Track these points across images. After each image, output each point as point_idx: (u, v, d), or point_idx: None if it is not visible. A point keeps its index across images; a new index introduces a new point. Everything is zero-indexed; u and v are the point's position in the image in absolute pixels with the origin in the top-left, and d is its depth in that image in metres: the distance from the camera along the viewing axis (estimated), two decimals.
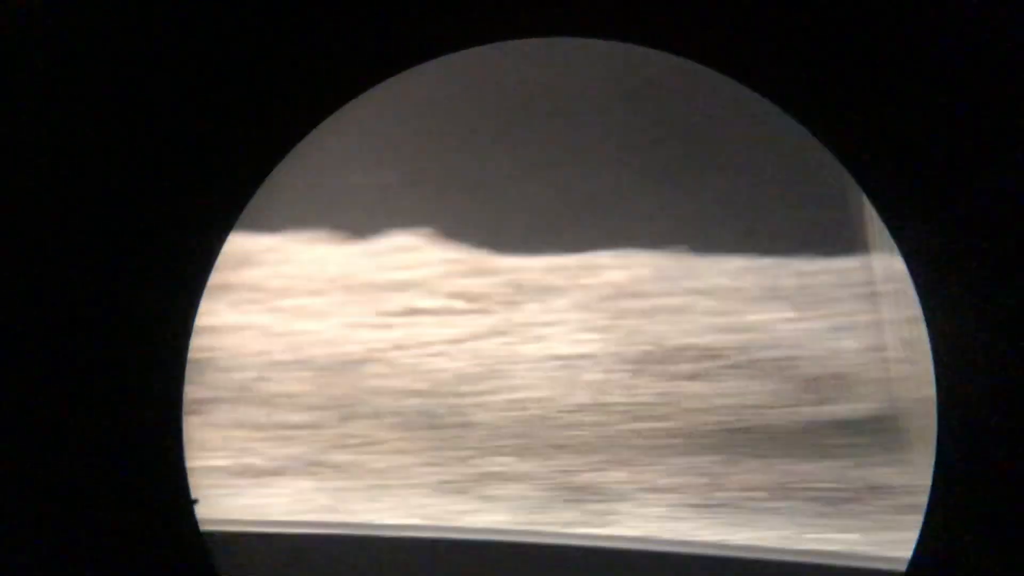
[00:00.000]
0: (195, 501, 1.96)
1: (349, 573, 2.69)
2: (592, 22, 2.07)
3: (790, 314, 4.68)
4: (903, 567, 1.90)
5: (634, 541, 4.02)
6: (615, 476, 4.33)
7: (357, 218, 4.79)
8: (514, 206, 4.69)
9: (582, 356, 4.62)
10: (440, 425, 4.45)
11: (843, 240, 4.35)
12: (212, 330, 4.73)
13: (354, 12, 1.94)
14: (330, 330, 4.73)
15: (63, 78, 1.83)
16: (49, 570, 1.90)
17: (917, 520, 1.86)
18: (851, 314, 4.52)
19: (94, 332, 1.95)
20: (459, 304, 4.76)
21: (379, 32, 1.95)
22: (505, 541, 3.59)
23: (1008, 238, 1.78)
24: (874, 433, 4.26)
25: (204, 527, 2.00)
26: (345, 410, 4.52)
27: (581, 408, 4.56)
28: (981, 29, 1.78)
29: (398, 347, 4.65)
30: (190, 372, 2.00)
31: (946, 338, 1.80)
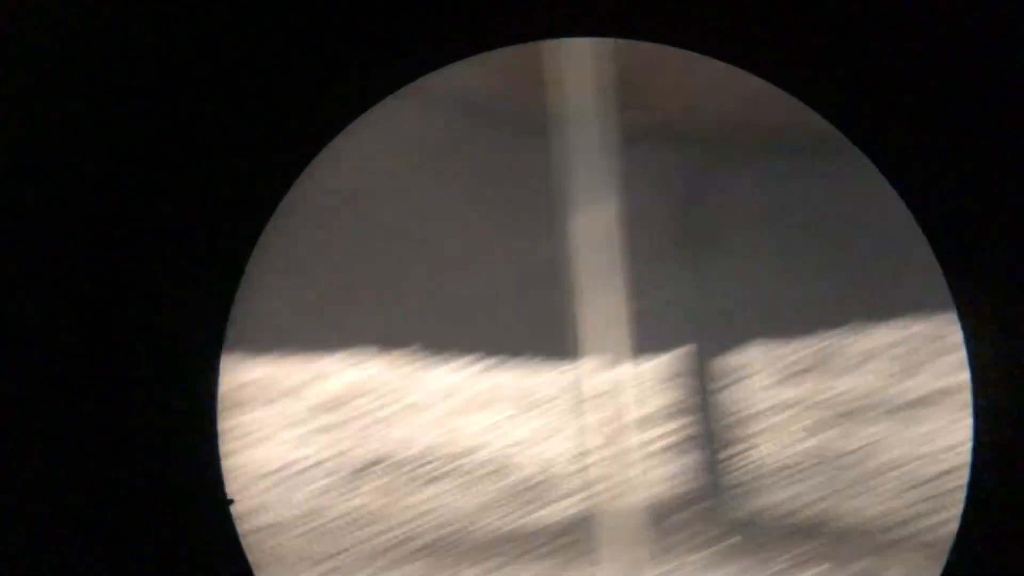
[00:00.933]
0: (231, 501, 1.95)
1: None
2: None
3: (505, 417, 4.88)
4: None
5: None
6: None
7: None
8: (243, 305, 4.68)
9: (300, 461, 4.65)
10: None
11: (557, 346, 4.63)
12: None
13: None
14: None
15: (84, 96, 1.86)
16: (82, 568, 1.85)
17: None
18: (563, 417, 4.80)
19: (131, 336, 1.95)
20: None
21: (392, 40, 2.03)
22: None
23: None
24: (577, 537, 4.52)
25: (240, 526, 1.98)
26: None
27: (297, 519, 4.58)
28: None
29: None
30: (223, 374, 2.00)
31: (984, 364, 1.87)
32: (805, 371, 4.43)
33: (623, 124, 4.25)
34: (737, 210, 4.48)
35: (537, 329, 4.67)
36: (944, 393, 4.35)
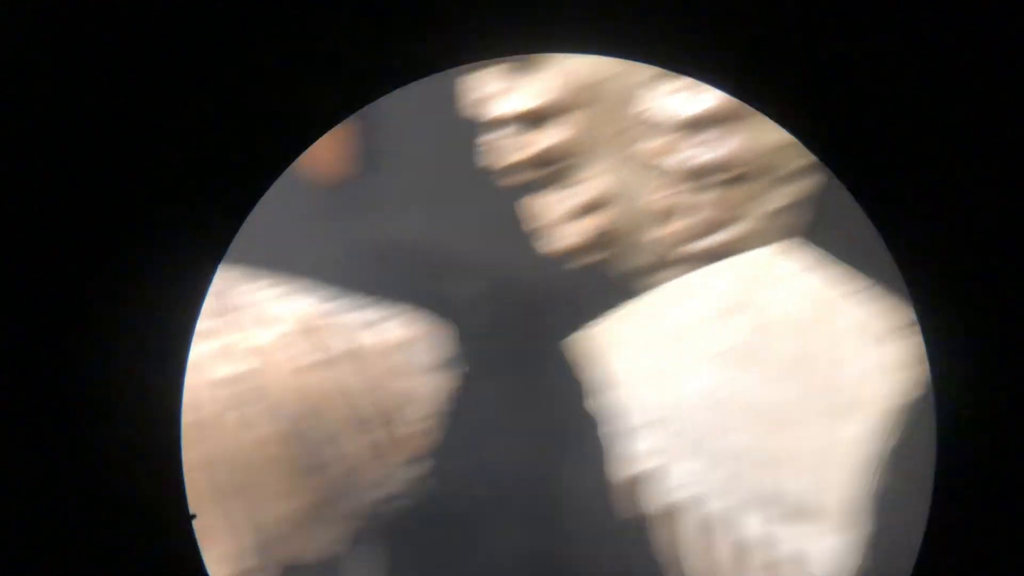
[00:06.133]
0: (193, 516, 1.91)
1: None
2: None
3: None
4: None
5: None
6: None
7: None
8: None
9: None
10: None
11: None
12: None
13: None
14: None
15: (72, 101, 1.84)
16: None
17: None
18: None
19: (91, 343, 1.92)
20: None
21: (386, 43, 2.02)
22: None
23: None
24: None
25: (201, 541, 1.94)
26: None
27: None
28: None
29: None
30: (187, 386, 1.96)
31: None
32: None
33: None
34: None
35: None
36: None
